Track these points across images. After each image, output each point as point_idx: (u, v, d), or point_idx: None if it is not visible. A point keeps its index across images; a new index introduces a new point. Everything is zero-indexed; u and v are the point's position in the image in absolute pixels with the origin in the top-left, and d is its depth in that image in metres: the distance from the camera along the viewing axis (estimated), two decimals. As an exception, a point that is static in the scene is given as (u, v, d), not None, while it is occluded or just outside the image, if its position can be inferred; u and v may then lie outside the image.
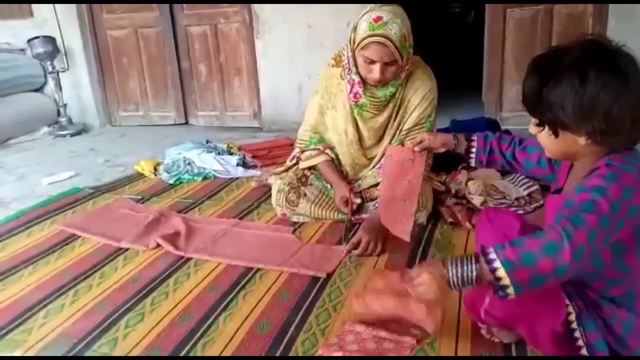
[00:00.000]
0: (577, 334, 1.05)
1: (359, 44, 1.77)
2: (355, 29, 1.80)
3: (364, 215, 1.94)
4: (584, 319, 1.05)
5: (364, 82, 1.88)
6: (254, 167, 2.84)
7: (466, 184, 2.13)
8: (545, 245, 0.91)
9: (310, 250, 1.79)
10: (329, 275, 1.61)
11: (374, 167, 2.08)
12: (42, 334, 1.39)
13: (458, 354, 1.22)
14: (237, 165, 2.80)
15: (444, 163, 2.14)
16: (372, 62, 1.78)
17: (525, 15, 3.37)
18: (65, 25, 4.11)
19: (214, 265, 1.72)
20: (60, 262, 1.80)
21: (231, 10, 3.91)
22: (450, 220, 1.95)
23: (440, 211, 2.02)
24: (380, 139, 2.04)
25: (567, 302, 1.06)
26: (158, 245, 1.87)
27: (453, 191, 2.12)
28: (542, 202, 1.99)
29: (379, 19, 1.72)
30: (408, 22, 1.78)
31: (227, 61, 4.06)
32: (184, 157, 2.79)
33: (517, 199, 2.06)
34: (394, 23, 1.72)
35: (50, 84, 4.18)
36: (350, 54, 1.86)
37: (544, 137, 1.05)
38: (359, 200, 1.96)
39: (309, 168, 2.13)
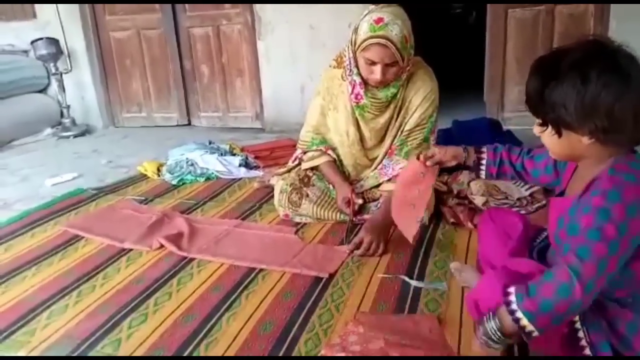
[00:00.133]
0: (580, 334, 1.05)
1: (359, 46, 1.77)
2: (356, 30, 1.80)
3: (365, 216, 1.95)
4: (588, 319, 1.04)
5: (365, 83, 1.88)
6: (257, 167, 2.85)
7: (468, 184, 2.13)
8: (558, 289, 0.96)
9: (313, 251, 1.79)
10: (332, 276, 1.61)
11: (375, 167, 2.08)
12: (46, 334, 1.39)
13: (460, 354, 1.22)
14: (240, 166, 2.80)
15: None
16: (373, 63, 1.78)
17: (526, 15, 3.37)
18: (68, 26, 4.12)
19: (217, 265, 1.73)
20: (64, 263, 1.81)
21: (233, 11, 3.92)
22: (452, 220, 1.96)
23: (442, 211, 2.02)
24: (381, 140, 2.05)
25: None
26: (161, 245, 1.87)
27: (455, 191, 2.12)
28: (544, 202, 1.99)
29: (379, 20, 1.72)
30: (409, 23, 1.79)
31: (229, 62, 4.07)
32: (187, 158, 2.80)
33: (519, 199, 2.06)
34: (395, 24, 1.72)
35: (54, 86, 4.19)
36: (351, 55, 1.86)
37: (548, 137, 1.06)
38: (360, 201, 1.96)
39: (311, 169, 2.14)
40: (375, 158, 2.09)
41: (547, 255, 1.24)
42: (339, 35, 3.31)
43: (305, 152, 2.14)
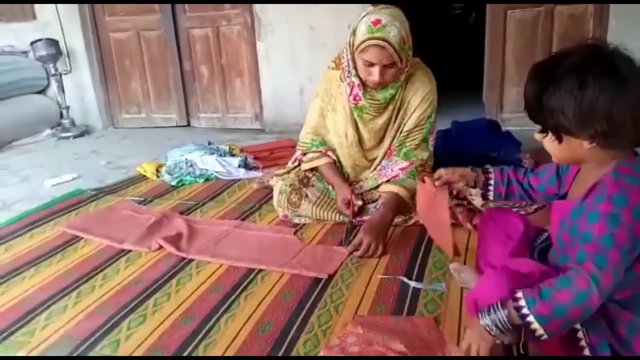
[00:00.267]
0: (580, 334, 1.05)
1: (358, 47, 1.78)
2: (354, 32, 1.80)
3: (365, 217, 1.95)
4: (587, 320, 1.04)
5: (363, 84, 1.89)
6: (256, 168, 2.85)
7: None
8: (576, 295, 0.95)
9: (312, 252, 1.79)
10: (331, 277, 1.61)
11: (374, 168, 2.09)
12: (45, 335, 1.39)
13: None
14: (239, 166, 2.80)
15: (443, 164, 2.13)
16: (371, 64, 1.78)
17: (526, 16, 3.37)
18: (67, 27, 4.12)
19: (216, 266, 1.73)
20: (63, 264, 1.81)
21: (233, 12, 3.92)
22: (451, 221, 1.95)
23: (442, 212, 2.02)
24: (380, 141, 2.05)
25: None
26: (160, 246, 1.88)
27: (454, 192, 2.12)
28: (543, 203, 1.99)
29: (377, 21, 1.73)
30: (407, 25, 1.79)
31: (228, 63, 4.07)
32: (186, 159, 2.80)
33: (518, 200, 2.06)
34: (393, 26, 1.72)
35: (53, 86, 4.19)
36: (349, 56, 1.86)
37: (549, 143, 1.06)
38: (360, 202, 1.96)
39: (311, 169, 2.14)
40: (374, 159, 2.09)
41: (549, 256, 1.24)
42: (339, 36, 3.30)
43: (305, 154, 2.15)
